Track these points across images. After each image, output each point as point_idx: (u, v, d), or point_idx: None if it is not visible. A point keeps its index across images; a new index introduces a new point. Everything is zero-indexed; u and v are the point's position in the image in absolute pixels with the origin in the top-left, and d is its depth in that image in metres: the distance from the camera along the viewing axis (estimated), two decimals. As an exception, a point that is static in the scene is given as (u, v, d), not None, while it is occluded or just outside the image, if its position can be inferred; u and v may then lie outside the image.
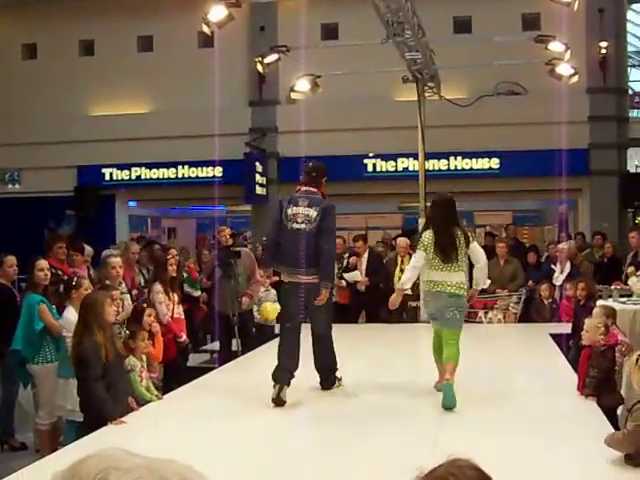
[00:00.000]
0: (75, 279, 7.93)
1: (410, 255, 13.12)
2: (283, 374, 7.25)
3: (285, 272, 7.60)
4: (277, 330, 11.28)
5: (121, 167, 18.71)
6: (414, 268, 7.53)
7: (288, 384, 7.21)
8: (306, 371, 7.93)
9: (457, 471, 1.61)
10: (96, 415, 6.17)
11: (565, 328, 10.40)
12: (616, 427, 6.01)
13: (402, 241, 13.55)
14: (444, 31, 16.60)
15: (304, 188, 7.82)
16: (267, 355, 10.55)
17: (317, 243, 7.36)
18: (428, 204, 13.49)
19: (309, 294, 7.34)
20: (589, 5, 16.23)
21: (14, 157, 18.69)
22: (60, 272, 9.02)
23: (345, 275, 13.14)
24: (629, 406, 5.25)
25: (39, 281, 8.04)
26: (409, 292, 9.49)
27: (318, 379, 7.81)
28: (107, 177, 18.85)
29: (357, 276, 12.90)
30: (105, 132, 18.07)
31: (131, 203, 19.86)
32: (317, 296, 7.29)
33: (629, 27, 19.41)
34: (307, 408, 7.28)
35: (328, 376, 7.83)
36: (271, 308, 11.18)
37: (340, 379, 7.92)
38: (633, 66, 21.26)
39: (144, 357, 7.37)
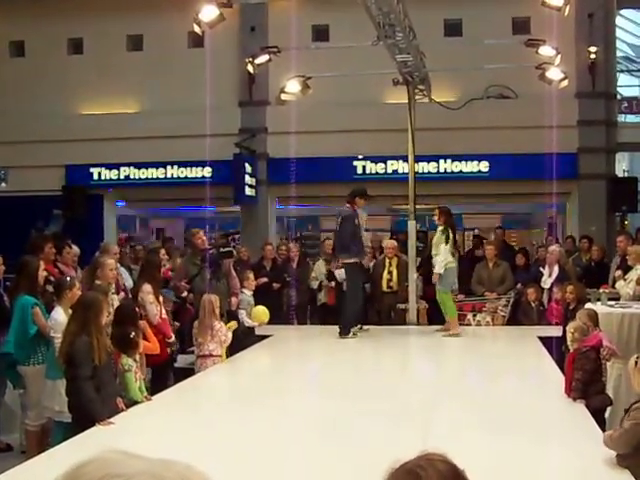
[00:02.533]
0: (69, 279, 7.89)
1: (397, 257, 13.19)
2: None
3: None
4: (258, 332, 11.39)
5: (110, 167, 18.60)
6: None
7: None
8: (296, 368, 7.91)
9: (427, 464, 1.61)
10: (84, 416, 6.15)
11: (553, 331, 10.44)
12: (603, 429, 6.02)
13: (389, 243, 13.56)
14: (435, 34, 16.61)
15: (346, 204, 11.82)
16: (254, 357, 10.59)
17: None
18: (418, 206, 13.63)
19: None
20: (579, 10, 16.27)
21: (1, 155, 18.55)
22: (46, 273, 8.97)
23: (335, 272, 13.19)
24: (626, 407, 5.28)
25: (41, 283, 8.02)
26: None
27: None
28: (95, 177, 18.74)
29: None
30: (94, 131, 17.98)
31: (119, 203, 19.76)
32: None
33: (618, 33, 19.46)
34: (295, 409, 7.27)
35: (347, 325, 11.47)
36: (262, 311, 11.20)
37: (356, 333, 11.49)
38: (621, 71, 21.32)
39: (137, 357, 7.34)
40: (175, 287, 10.96)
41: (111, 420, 6.17)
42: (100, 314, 6.48)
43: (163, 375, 8.87)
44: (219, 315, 9.30)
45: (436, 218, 11.95)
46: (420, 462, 1.62)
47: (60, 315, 7.35)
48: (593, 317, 7.68)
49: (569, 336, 7.12)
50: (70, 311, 7.16)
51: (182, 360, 10.37)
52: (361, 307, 12.16)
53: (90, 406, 6.13)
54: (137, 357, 7.32)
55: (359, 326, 11.88)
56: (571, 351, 7.08)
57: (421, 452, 1.67)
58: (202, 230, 11.63)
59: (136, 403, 6.99)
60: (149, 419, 6.68)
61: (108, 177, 18.74)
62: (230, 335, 9.24)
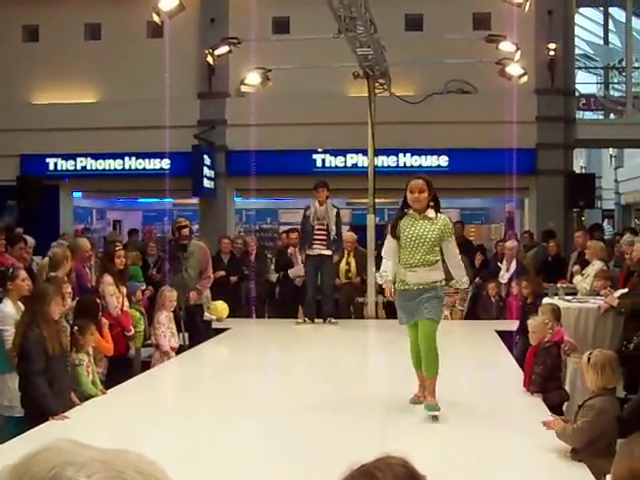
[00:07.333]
0: (12, 271, 7.74)
1: (357, 250, 13.17)
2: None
3: None
4: (216, 325, 11.31)
5: (66, 157, 18.32)
6: None
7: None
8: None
9: (385, 467, 1.58)
10: (37, 410, 6.04)
11: (511, 325, 10.49)
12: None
13: (349, 236, 13.53)
14: (396, 28, 16.59)
15: None
16: (211, 350, 10.51)
17: None
18: (377, 200, 13.62)
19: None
20: (539, 7, 16.35)
21: (-46, 145, 18.21)
22: (-1, 264, 8.80)
23: (289, 270, 13.18)
24: (580, 402, 5.34)
25: None
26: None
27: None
28: (51, 167, 18.45)
29: (300, 271, 12.88)
30: (50, 121, 17.69)
31: (76, 194, 19.49)
32: None
33: (577, 30, 19.65)
34: (251, 403, 7.21)
35: (328, 315, 11.95)
36: (222, 306, 11.15)
37: (336, 322, 11.89)
38: (580, 68, 21.55)
39: (91, 351, 7.23)
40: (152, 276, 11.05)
41: (65, 414, 6.07)
42: (48, 305, 6.36)
43: (122, 368, 8.72)
44: (168, 308, 9.28)
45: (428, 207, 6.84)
46: (379, 464, 1.60)
47: (8, 307, 7.20)
48: (556, 312, 7.74)
49: (540, 328, 7.13)
50: (19, 302, 7.08)
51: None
52: (309, 300, 12.19)
53: (43, 400, 6.03)
54: (90, 350, 7.21)
55: (303, 318, 12.09)
56: (533, 345, 7.12)
57: (381, 453, 1.64)
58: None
59: (92, 397, 6.90)
60: (103, 413, 6.58)
61: (64, 167, 18.46)
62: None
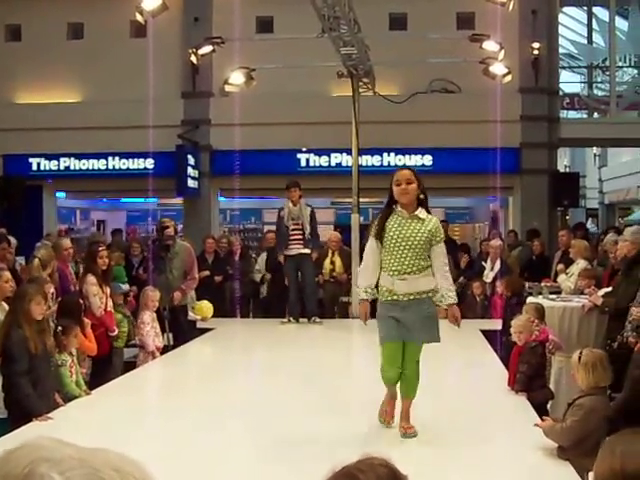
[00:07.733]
0: None
1: (341, 249, 13.18)
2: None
3: None
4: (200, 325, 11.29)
5: (49, 157, 18.23)
6: None
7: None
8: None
9: (367, 468, 1.58)
10: (21, 411, 6.01)
11: (496, 324, 10.51)
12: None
13: (333, 235, 13.59)
14: (379, 27, 16.59)
15: None
16: (196, 350, 10.48)
17: None
18: (361, 199, 13.62)
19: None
20: (522, 6, 16.39)
21: (-63, 144, 18.08)
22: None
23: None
24: (565, 401, 5.36)
25: None
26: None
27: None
28: (34, 167, 18.34)
29: None
30: (33, 121, 17.58)
31: (59, 194, 19.40)
32: None
33: (560, 30, 19.70)
34: (235, 405, 7.20)
35: (312, 315, 12.01)
36: (207, 306, 11.11)
37: (321, 322, 11.98)
38: (563, 68, 21.61)
39: (74, 351, 7.20)
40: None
41: (49, 415, 6.04)
42: (28, 303, 6.34)
43: (105, 368, 8.69)
44: (150, 308, 9.29)
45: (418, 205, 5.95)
46: (361, 465, 1.60)
47: (-10, 308, 7.17)
48: (540, 311, 7.76)
49: (527, 327, 7.15)
50: (3, 304, 7.05)
51: (124, 353, 10.24)
52: (292, 300, 12.20)
53: (27, 401, 6.00)
54: (73, 351, 7.17)
55: (288, 318, 12.11)
56: (519, 344, 7.12)
57: (363, 454, 1.64)
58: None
59: (76, 398, 6.87)
60: (87, 414, 6.54)
61: (47, 168, 18.36)
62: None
